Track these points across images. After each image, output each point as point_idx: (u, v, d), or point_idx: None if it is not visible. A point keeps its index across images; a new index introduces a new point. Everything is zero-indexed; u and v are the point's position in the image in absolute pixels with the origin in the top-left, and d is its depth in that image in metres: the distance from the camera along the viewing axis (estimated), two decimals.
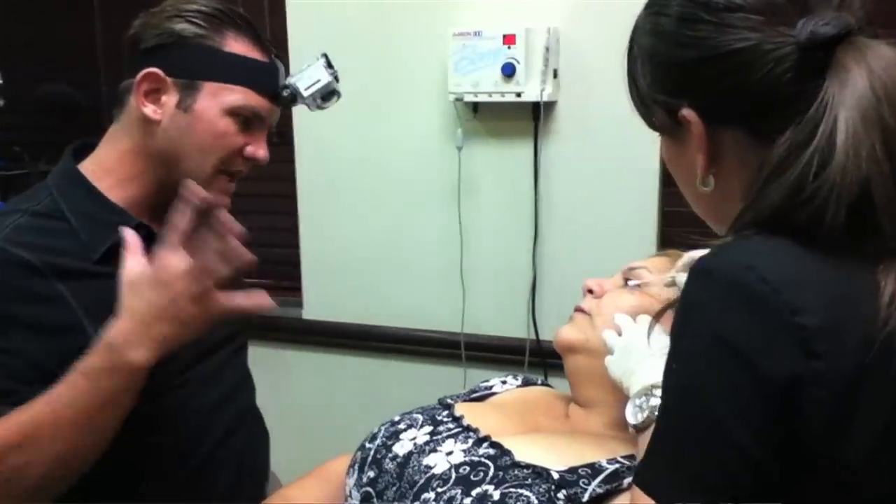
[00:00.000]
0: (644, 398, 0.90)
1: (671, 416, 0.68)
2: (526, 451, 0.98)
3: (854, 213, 0.65)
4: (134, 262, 0.99)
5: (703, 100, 0.73)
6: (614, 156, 1.96)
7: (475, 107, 2.04)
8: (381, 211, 2.19)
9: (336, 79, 1.21)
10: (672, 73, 0.75)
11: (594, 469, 0.95)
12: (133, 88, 1.10)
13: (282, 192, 2.28)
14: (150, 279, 0.98)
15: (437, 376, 2.17)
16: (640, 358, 0.95)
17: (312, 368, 2.35)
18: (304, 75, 1.19)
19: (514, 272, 2.07)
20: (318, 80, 1.20)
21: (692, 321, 0.66)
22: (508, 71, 1.94)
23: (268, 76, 1.15)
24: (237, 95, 1.11)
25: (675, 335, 0.69)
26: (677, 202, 1.92)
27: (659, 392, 0.89)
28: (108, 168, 1.13)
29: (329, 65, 1.21)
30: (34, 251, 1.03)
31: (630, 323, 1.01)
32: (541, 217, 2.03)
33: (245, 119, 1.12)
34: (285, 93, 1.17)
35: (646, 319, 1.02)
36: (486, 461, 0.97)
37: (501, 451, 0.98)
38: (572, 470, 0.95)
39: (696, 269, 0.69)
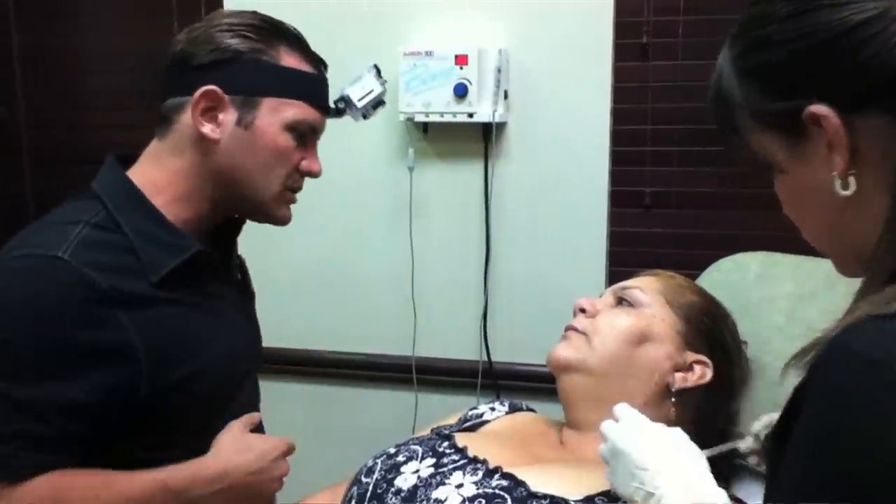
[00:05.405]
0: None
1: None
2: (539, 480, 0.96)
3: None
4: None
5: (832, 87, 0.67)
6: (564, 177, 1.97)
7: (425, 127, 2.02)
8: (330, 232, 2.13)
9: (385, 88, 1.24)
10: (790, 72, 0.70)
11: (610, 497, 0.94)
12: (186, 107, 1.08)
13: None
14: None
15: (387, 401, 2.13)
16: (667, 476, 0.85)
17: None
18: (356, 86, 1.23)
19: (465, 294, 2.05)
20: (372, 91, 1.24)
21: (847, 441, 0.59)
22: (461, 91, 1.93)
23: (320, 89, 1.16)
24: (295, 110, 1.11)
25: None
26: (626, 222, 2.00)
27: None
28: (158, 187, 1.09)
29: (379, 74, 1.24)
30: (101, 272, 1.00)
31: (635, 431, 0.90)
32: (492, 238, 2.02)
33: (301, 133, 1.13)
34: (340, 105, 1.20)
35: (675, 431, 0.92)
36: (502, 493, 0.94)
37: (515, 482, 0.96)
38: (588, 499, 0.94)
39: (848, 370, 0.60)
